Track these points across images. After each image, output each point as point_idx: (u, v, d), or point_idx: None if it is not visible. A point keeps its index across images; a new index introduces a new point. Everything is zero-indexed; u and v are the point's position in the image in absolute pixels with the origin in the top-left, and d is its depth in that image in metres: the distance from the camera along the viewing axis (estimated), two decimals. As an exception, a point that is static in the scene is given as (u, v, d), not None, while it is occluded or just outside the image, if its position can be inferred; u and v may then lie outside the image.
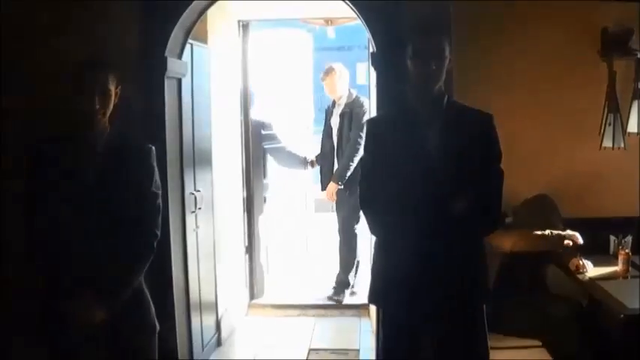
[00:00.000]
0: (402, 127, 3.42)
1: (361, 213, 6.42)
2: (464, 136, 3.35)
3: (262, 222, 7.48)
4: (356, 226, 7.27)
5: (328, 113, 7.53)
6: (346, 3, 4.47)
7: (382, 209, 3.42)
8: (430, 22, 3.49)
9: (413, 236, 3.30)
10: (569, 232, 4.68)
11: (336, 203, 7.33)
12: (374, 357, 5.23)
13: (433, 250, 3.29)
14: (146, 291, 3.67)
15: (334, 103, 7.45)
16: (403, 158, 3.36)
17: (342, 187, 7.09)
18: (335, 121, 7.34)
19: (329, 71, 7.32)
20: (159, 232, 3.62)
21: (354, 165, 6.95)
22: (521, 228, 4.70)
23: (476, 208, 3.30)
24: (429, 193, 3.30)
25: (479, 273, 3.46)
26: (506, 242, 4.57)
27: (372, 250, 3.73)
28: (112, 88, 3.49)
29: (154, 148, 3.66)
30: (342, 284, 7.29)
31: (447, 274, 3.32)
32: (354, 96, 7.29)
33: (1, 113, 4.30)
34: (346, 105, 7.25)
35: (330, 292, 7.32)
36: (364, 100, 7.12)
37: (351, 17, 6.08)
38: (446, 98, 3.41)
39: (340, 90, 7.33)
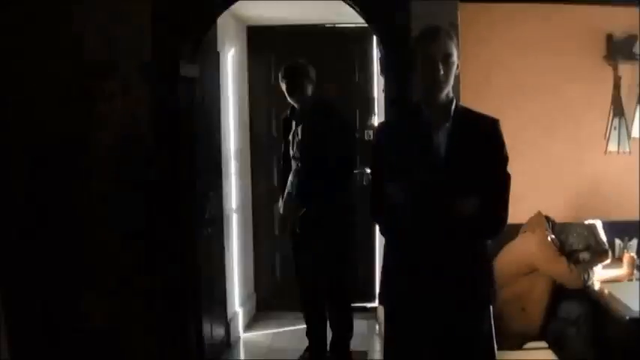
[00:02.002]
0: (409, 132, 3.45)
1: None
2: (471, 141, 3.38)
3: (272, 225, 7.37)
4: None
5: (287, 126, 5.84)
6: (355, 9, 4.52)
7: (391, 211, 3.47)
8: (438, 27, 3.51)
9: (421, 238, 3.36)
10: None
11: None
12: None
13: (441, 252, 3.34)
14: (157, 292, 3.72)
15: (295, 109, 5.75)
16: (411, 162, 3.40)
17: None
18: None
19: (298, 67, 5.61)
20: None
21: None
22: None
23: (482, 211, 3.34)
24: (436, 197, 3.34)
25: (486, 273, 3.51)
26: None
27: (382, 251, 3.77)
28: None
29: None
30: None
31: (455, 276, 3.37)
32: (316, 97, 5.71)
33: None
34: (313, 111, 5.61)
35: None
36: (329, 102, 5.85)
37: (359, 22, 6.13)
38: (454, 103, 3.45)
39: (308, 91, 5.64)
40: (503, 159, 3.44)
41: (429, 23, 3.63)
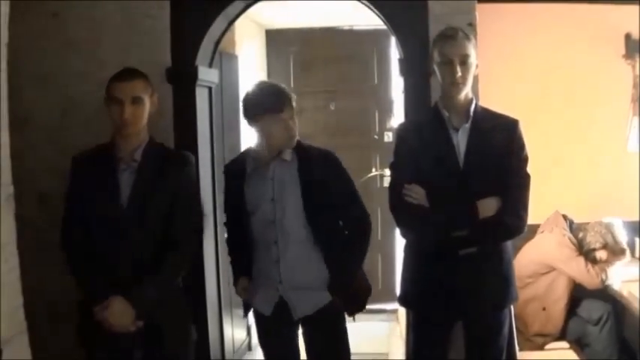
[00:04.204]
0: (430, 133, 3.46)
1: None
2: (491, 142, 3.39)
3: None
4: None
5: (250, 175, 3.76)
6: (374, 11, 4.51)
7: (411, 212, 3.47)
8: (456, 28, 3.51)
9: (442, 239, 3.36)
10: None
11: None
12: (403, 361, 5.25)
13: (462, 253, 3.34)
14: (183, 298, 3.71)
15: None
16: (431, 164, 3.40)
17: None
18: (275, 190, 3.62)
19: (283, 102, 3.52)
20: (202, 241, 3.65)
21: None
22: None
23: (503, 212, 3.34)
24: (456, 198, 3.35)
25: (508, 274, 3.51)
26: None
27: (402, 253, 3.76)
28: (146, 96, 3.45)
29: (193, 156, 3.70)
30: None
31: (477, 276, 3.37)
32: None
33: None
34: (309, 159, 3.65)
35: None
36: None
37: (377, 24, 6.13)
38: (473, 104, 3.45)
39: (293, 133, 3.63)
40: (524, 159, 3.44)
41: (448, 24, 3.63)
